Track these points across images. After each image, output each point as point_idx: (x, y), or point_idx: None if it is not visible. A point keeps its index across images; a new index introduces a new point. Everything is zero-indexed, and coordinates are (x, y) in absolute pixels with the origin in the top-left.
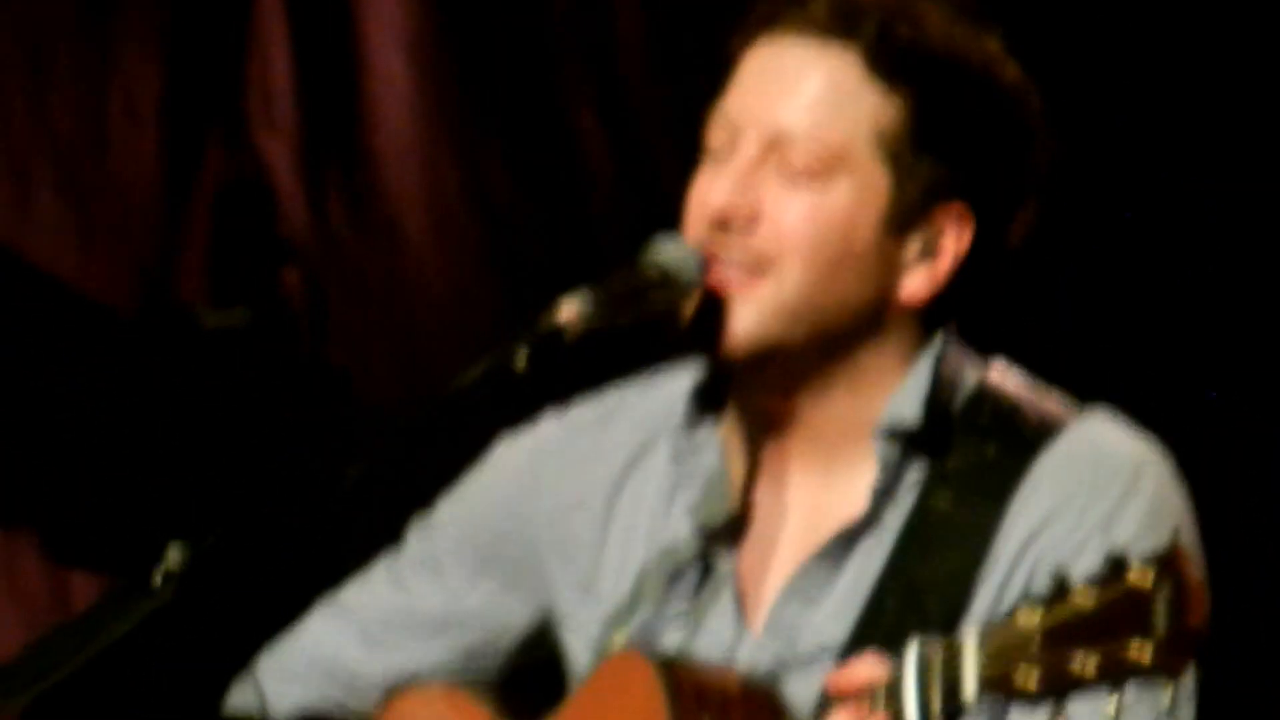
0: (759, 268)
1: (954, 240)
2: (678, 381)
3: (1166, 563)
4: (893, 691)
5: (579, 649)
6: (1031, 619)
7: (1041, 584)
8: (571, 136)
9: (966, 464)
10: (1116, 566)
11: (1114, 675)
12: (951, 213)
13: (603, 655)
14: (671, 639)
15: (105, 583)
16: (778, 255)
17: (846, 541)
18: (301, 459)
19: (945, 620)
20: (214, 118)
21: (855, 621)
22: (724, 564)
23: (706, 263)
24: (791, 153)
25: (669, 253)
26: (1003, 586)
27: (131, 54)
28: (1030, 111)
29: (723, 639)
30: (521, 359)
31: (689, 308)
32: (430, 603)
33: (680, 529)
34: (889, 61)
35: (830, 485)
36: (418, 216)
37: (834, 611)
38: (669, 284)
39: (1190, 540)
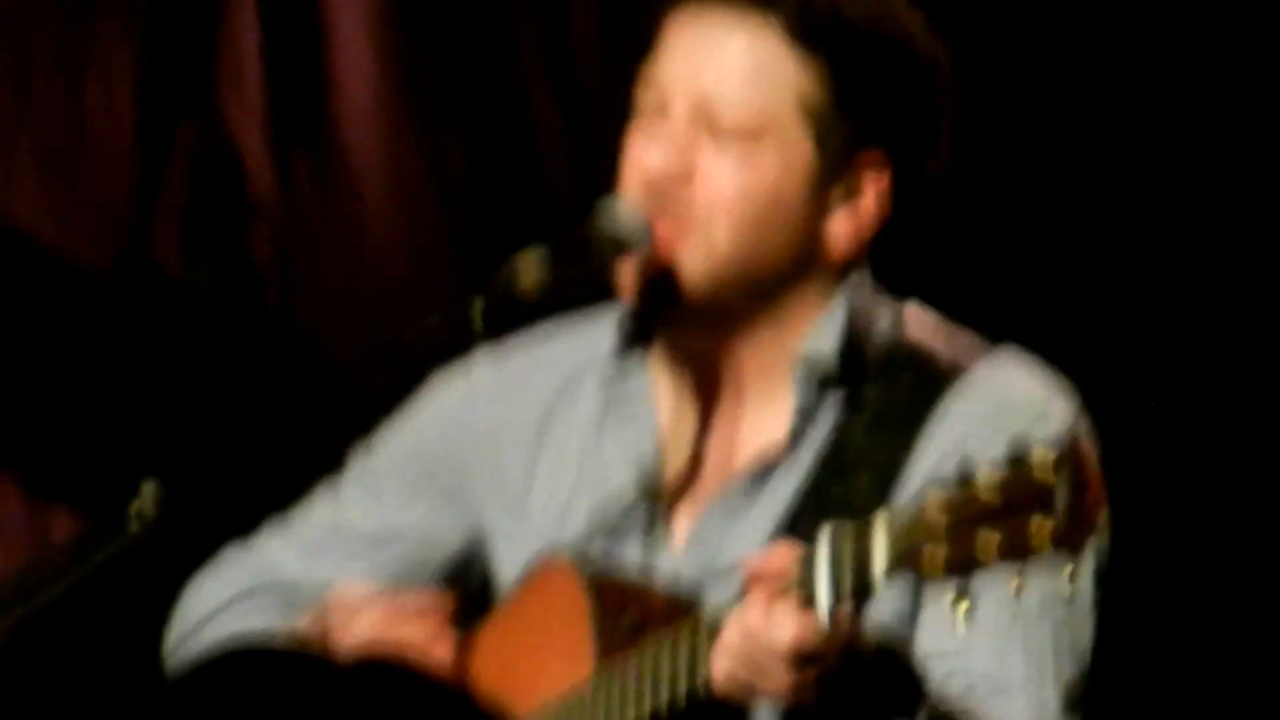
0: (691, 226)
1: (873, 184)
2: (610, 319)
3: (1065, 451)
4: (806, 573)
5: (511, 569)
6: (938, 503)
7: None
8: (526, 111)
9: (881, 397)
10: (1019, 453)
11: (1016, 555)
12: (870, 159)
13: None
14: (603, 558)
15: (84, 522)
16: (708, 214)
17: (766, 468)
18: (267, 406)
19: None
20: (186, 92)
21: (770, 539)
22: (654, 487)
23: (650, 223)
24: (718, 118)
25: (618, 213)
26: None
27: (108, 32)
28: (940, 67)
29: (651, 555)
30: (477, 314)
31: (640, 271)
32: (368, 521)
33: (611, 454)
34: (809, 31)
35: (755, 416)
36: (378, 184)
37: (751, 530)
38: (619, 243)
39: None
